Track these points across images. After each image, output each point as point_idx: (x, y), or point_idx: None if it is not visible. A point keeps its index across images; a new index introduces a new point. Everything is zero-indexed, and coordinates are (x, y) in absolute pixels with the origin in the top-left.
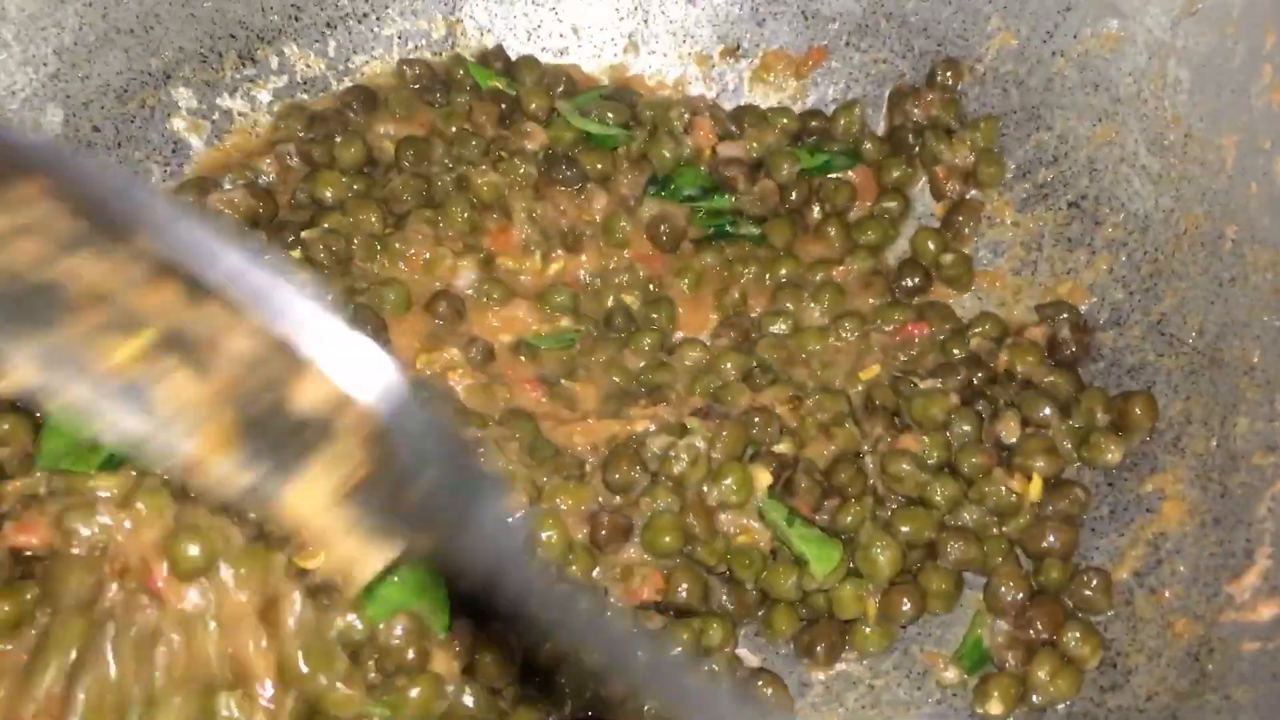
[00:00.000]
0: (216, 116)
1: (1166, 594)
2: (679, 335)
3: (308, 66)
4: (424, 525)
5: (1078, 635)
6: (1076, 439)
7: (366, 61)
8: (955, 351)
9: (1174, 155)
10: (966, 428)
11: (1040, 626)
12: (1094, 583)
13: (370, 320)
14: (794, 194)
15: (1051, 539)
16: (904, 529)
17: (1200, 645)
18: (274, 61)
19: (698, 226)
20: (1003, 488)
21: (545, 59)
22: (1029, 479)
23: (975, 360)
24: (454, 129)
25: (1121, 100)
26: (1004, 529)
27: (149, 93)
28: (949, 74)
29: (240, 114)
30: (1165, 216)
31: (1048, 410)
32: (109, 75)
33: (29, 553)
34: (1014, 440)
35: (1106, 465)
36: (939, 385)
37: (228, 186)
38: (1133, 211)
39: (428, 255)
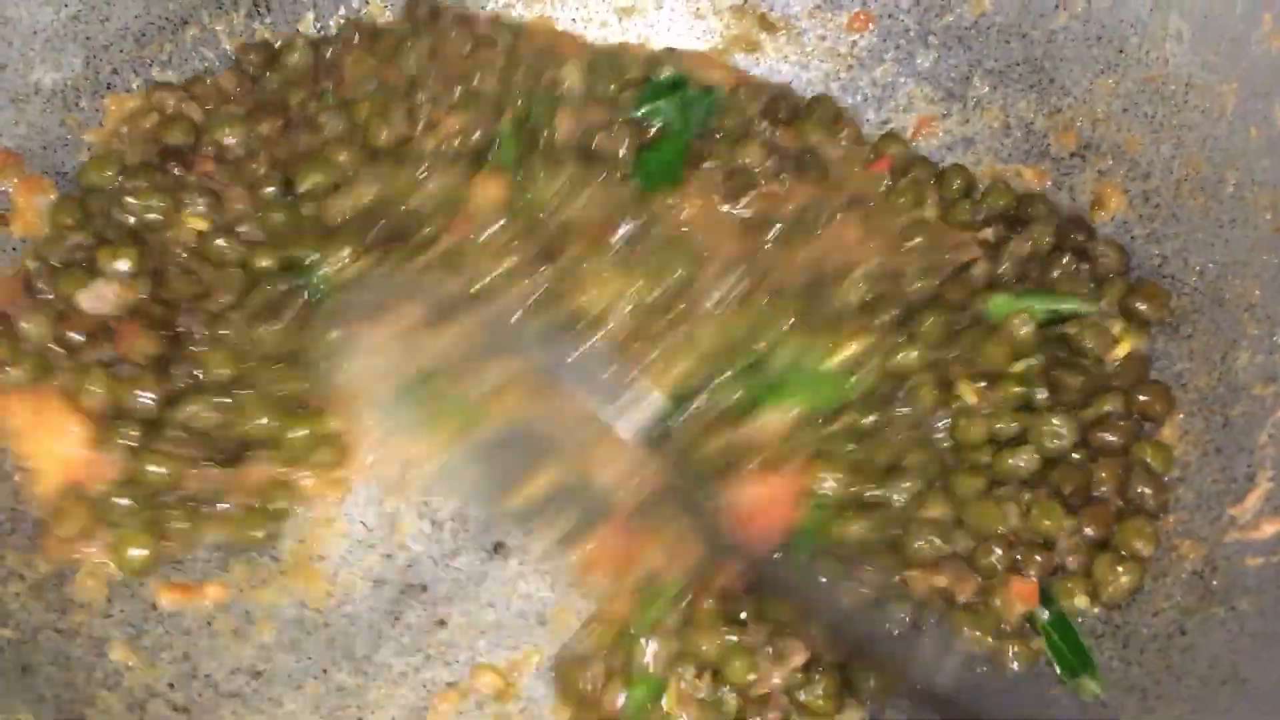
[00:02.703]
0: (231, 64)
1: (1170, 519)
2: None
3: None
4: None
5: (1132, 530)
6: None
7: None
8: None
9: (1175, 104)
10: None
11: (1093, 529)
12: (1149, 489)
13: None
14: None
15: (1149, 398)
16: None
17: (1205, 564)
18: (288, 10)
19: None
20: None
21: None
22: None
23: None
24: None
25: (1124, 52)
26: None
27: (166, 37)
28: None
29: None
30: (1166, 163)
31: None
32: (128, 19)
33: None
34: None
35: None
36: None
37: None
38: (1134, 160)
39: None
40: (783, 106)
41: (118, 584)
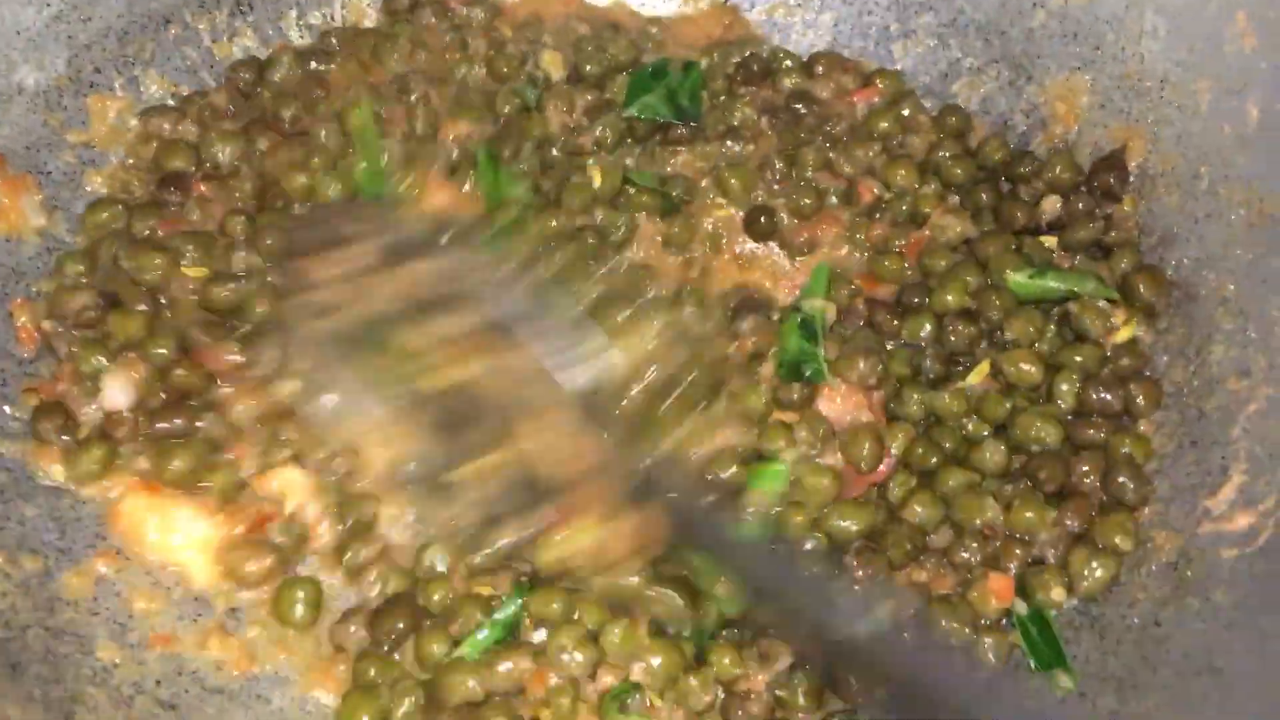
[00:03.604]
0: (214, 62)
1: (1146, 511)
2: None
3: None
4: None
5: (1112, 525)
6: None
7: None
8: None
9: (1150, 100)
10: None
11: (1073, 522)
12: (1131, 481)
13: None
14: None
15: (1138, 392)
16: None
17: (1180, 556)
18: (270, 9)
19: None
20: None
21: None
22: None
23: None
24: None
25: (1100, 49)
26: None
27: (149, 37)
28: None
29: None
30: (1142, 160)
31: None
32: (110, 18)
33: None
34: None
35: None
36: None
37: None
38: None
39: None
40: (755, 63)
41: (103, 582)
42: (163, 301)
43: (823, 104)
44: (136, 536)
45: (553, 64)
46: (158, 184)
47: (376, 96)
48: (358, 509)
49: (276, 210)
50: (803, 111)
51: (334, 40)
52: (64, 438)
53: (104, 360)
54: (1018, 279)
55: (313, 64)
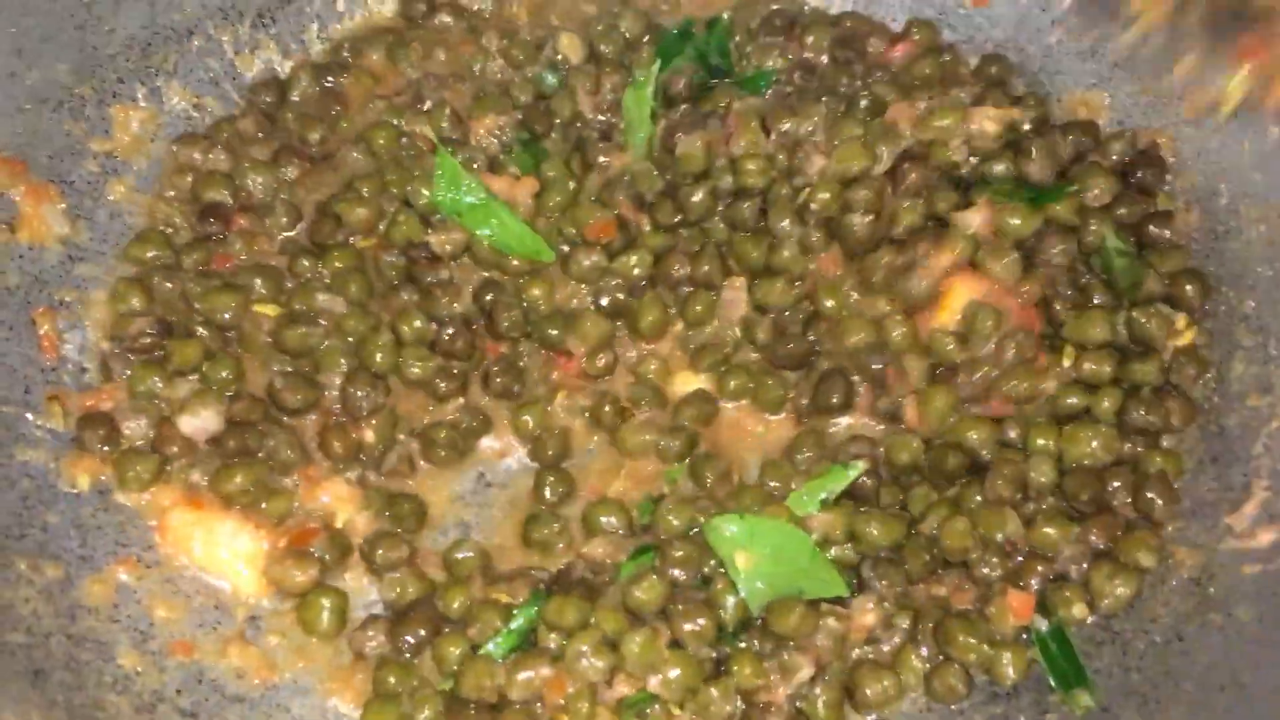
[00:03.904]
0: (236, 74)
1: (1168, 528)
2: None
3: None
4: None
5: (1136, 542)
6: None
7: None
8: None
9: (1168, 117)
10: None
11: (1097, 536)
12: (1160, 498)
13: None
14: None
15: (1171, 407)
16: None
17: (1202, 571)
18: (292, 22)
19: None
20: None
21: None
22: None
23: None
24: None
25: (1117, 65)
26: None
27: (172, 48)
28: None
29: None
30: None
31: None
32: (134, 29)
33: None
34: None
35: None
36: None
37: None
38: None
39: None
40: (779, 18)
41: (124, 590)
42: (229, 334)
43: (863, 56)
44: (184, 549)
45: (570, 47)
46: (198, 216)
47: (394, 111)
48: (405, 516)
49: (340, 246)
50: (845, 62)
51: (345, 53)
52: (105, 448)
53: (159, 382)
54: (1115, 242)
55: (328, 79)
